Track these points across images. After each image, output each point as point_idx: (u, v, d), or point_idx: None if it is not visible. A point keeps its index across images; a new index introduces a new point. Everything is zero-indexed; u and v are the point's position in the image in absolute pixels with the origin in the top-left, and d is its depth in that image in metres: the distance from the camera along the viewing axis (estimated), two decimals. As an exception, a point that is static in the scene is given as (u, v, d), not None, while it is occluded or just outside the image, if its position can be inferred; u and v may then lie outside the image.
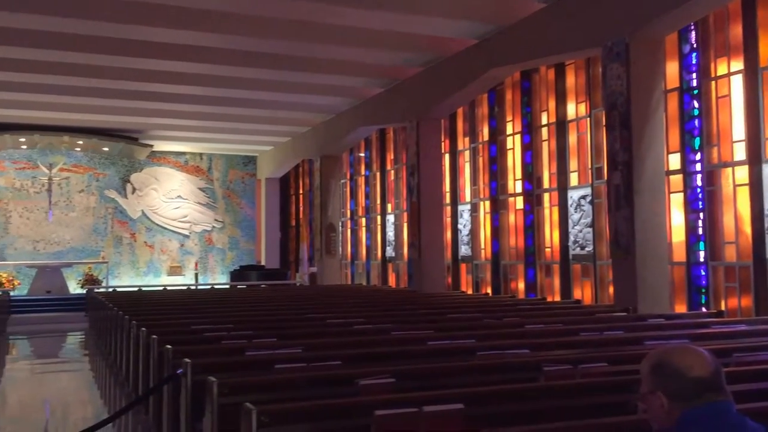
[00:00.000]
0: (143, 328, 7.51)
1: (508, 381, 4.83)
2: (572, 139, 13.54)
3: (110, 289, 20.33)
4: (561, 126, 13.71)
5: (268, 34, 13.13)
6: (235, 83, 16.53)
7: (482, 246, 16.22)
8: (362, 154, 22.19)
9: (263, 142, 24.75)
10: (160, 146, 24.55)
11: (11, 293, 20.09)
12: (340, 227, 21.95)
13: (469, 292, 16.09)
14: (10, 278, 21.93)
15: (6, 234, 23.08)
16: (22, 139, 21.93)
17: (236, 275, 23.42)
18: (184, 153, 25.71)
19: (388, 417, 3.50)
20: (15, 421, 8.05)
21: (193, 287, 22.55)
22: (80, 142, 22.75)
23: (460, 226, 16.90)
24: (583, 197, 13.12)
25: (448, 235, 16.90)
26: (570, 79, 13.64)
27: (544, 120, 14.39)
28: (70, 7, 11.76)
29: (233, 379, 4.58)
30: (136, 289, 19.60)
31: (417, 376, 4.88)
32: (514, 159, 15.16)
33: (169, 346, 5.84)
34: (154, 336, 6.74)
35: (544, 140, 14.34)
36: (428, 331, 7.35)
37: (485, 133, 16.19)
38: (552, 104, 14.06)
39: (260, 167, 26.70)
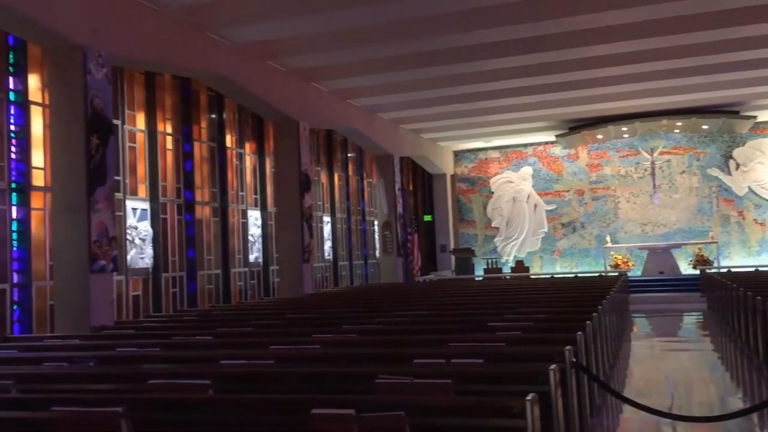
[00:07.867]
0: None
1: None
2: None
3: (723, 270, 19.76)
4: None
5: None
6: None
7: None
8: None
9: None
10: (764, 116, 22.74)
11: (628, 274, 21.40)
12: None
13: None
14: (625, 260, 23.46)
15: (616, 219, 24.80)
16: (624, 128, 23.22)
17: None
18: (793, 119, 23.31)
19: None
20: (641, 395, 8.45)
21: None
22: (679, 124, 22.81)
23: None
24: None
25: None
26: None
27: None
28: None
29: None
30: (752, 269, 18.58)
31: None
32: None
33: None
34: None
35: None
36: None
37: None
38: None
39: None
